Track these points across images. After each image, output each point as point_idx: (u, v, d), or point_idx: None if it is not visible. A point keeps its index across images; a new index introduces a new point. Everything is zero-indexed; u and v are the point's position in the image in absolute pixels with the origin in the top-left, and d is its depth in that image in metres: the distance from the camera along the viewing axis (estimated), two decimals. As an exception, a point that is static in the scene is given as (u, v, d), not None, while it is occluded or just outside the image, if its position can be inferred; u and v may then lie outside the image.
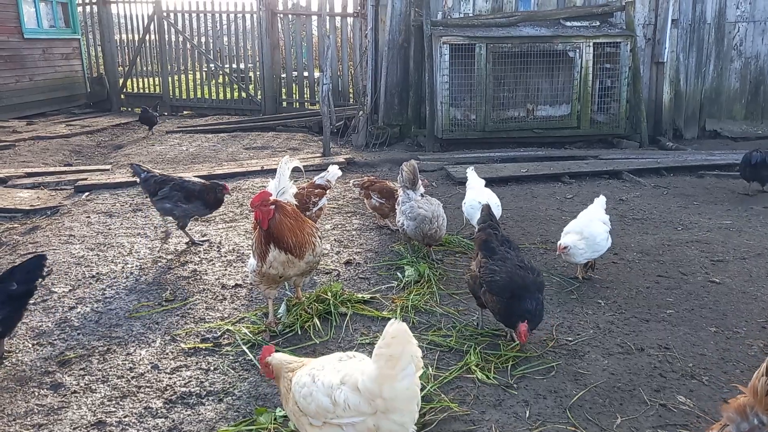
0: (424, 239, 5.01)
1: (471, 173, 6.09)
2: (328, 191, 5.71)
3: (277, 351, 2.81)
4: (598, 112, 10.19)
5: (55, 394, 3.27)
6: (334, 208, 6.77)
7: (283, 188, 4.21)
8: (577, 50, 9.69)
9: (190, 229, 5.70)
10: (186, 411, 3.14)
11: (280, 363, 2.68)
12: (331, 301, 4.18)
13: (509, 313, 3.55)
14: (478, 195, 5.58)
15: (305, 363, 2.63)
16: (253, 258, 3.85)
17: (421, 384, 3.20)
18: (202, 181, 5.69)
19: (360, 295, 4.38)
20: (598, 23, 10.12)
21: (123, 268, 5.00)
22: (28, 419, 3.07)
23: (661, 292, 4.58)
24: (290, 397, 2.53)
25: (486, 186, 5.88)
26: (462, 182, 7.86)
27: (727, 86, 10.96)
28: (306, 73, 14.09)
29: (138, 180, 5.67)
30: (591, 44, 9.65)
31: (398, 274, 4.82)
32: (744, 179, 7.39)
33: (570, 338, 3.88)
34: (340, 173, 5.78)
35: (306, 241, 3.73)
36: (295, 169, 4.39)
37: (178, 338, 3.86)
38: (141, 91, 15.48)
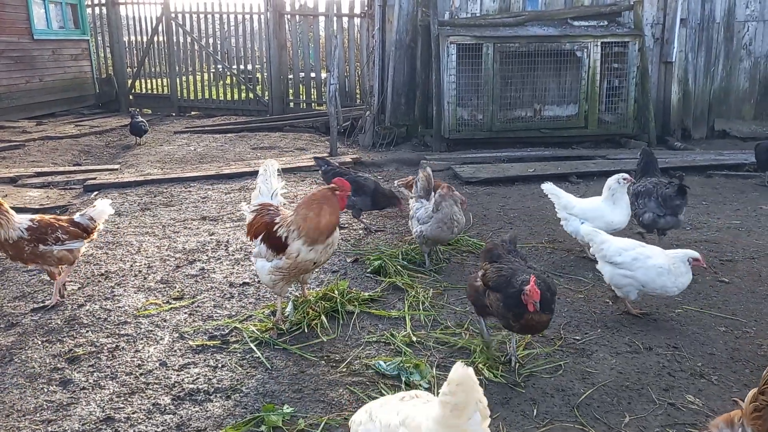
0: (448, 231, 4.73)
1: (551, 187, 5.17)
2: (87, 238, 4.35)
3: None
4: (605, 112, 10.14)
5: (64, 391, 3.30)
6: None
7: (275, 190, 4.27)
8: (585, 50, 9.66)
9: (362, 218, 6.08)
10: (194, 407, 3.15)
11: None
12: (338, 300, 4.19)
13: (513, 302, 3.27)
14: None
15: None
16: (266, 260, 3.85)
17: (427, 382, 3.23)
18: (376, 180, 6.03)
19: (367, 294, 4.39)
20: (606, 23, 10.09)
21: (131, 266, 5.03)
22: (38, 415, 3.09)
23: (669, 292, 4.55)
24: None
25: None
26: (469, 182, 7.88)
27: (736, 86, 10.88)
28: (313, 74, 14.11)
29: (320, 171, 6.25)
30: (599, 44, 9.62)
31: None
32: (762, 171, 7.35)
33: (577, 337, 3.87)
34: (111, 211, 4.57)
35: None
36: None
37: (186, 336, 3.88)
38: (149, 91, 15.58)
